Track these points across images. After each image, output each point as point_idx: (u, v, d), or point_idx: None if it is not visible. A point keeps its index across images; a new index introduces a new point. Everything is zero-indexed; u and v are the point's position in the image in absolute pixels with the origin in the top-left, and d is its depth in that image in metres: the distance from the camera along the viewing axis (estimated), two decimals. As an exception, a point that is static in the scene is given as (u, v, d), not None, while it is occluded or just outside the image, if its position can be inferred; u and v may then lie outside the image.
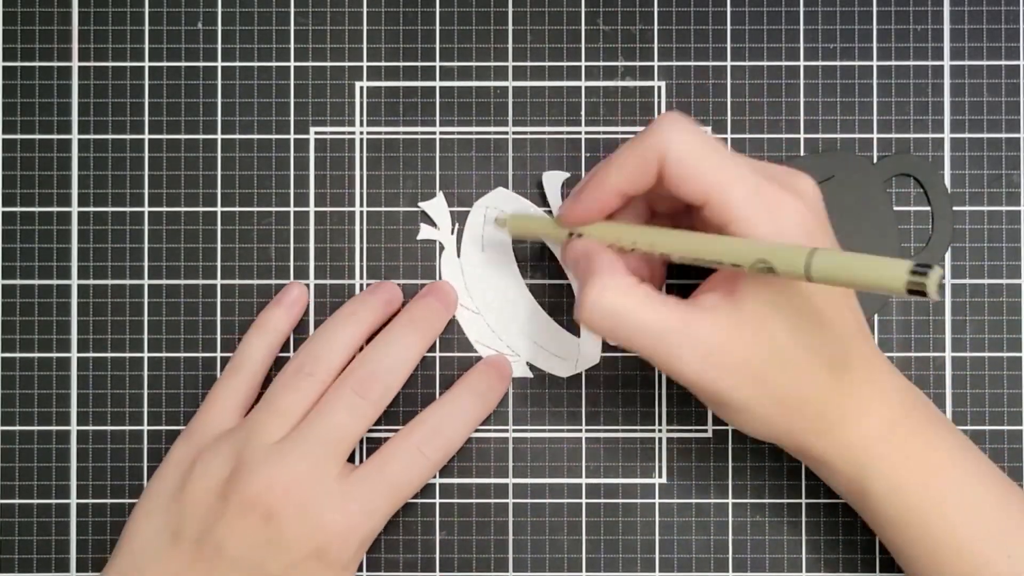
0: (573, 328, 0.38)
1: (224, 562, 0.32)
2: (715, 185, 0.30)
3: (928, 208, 0.38)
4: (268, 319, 0.37)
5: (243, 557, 0.32)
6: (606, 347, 0.38)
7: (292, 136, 0.38)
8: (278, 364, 0.37)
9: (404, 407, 0.37)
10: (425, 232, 0.38)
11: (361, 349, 0.36)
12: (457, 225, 0.38)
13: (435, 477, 0.38)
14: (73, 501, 0.38)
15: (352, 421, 0.34)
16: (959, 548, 0.31)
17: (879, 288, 0.25)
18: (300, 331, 0.38)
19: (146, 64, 0.38)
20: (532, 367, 0.38)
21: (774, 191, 0.30)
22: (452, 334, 0.38)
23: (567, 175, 0.38)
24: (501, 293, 0.38)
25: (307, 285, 0.38)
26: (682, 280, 0.37)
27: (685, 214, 0.33)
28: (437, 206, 0.38)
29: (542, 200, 0.38)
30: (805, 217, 0.30)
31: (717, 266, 0.30)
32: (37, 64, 0.38)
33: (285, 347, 0.38)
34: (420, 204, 0.38)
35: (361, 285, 0.38)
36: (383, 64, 0.38)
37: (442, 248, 0.38)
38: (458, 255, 0.38)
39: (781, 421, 0.32)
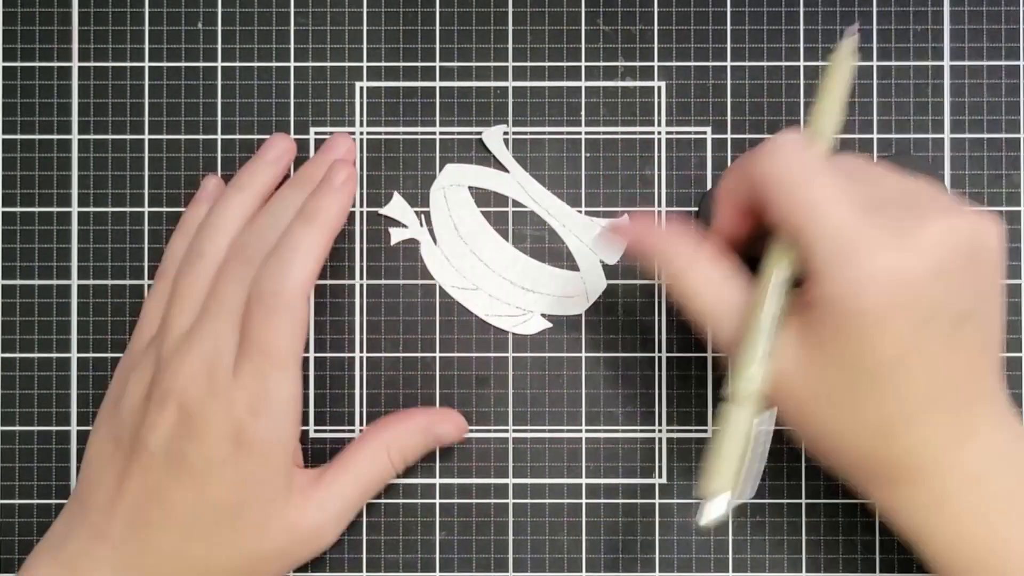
0: (571, 265, 0.38)
1: (151, 459, 0.32)
2: (805, 223, 0.28)
3: (928, 208, 0.38)
4: (189, 218, 0.37)
5: (165, 451, 0.32)
6: (610, 273, 0.38)
7: (292, 136, 0.38)
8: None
9: (403, 404, 0.37)
10: (397, 235, 0.38)
11: None
12: (424, 218, 0.38)
13: (435, 477, 0.38)
14: (73, 501, 0.38)
15: (244, 290, 0.34)
16: None
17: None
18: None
19: (146, 64, 0.38)
20: (548, 317, 0.38)
21: (877, 237, 0.27)
22: (452, 336, 0.38)
23: (504, 127, 0.38)
24: (490, 262, 0.38)
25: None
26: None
27: None
28: (396, 207, 0.38)
29: (495, 162, 0.38)
30: (916, 289, 0.27)
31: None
32: (37, 64, 0.38)
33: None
34: (379, 211, 0.38)
35: (360, 286, 0.38)
36: (383, 64, 0.38)
37: (419, 243, 0.38)
38: (435, 243, 0.38)
39: (865, 441, 0.29)
